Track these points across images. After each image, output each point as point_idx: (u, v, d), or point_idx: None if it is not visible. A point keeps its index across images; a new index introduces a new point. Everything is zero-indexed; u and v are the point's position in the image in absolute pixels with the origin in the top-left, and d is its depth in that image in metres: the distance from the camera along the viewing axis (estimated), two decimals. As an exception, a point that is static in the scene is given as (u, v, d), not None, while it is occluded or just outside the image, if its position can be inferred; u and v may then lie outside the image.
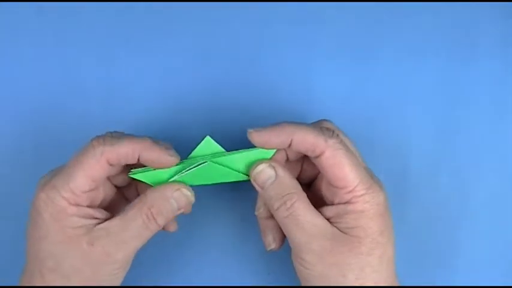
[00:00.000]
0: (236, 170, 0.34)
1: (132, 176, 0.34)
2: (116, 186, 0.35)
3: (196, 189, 0.41)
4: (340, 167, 0.32)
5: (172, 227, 0.36)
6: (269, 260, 0.41)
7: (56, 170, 0.33)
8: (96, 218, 0.32)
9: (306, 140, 0.32)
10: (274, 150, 0.33)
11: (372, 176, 0.33)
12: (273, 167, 0.33)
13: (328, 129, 0.33)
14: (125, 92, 0.40)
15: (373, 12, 0.40)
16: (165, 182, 0.34)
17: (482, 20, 0.41)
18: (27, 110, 0.40)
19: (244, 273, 0.41)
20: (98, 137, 0.32)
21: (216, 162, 0.33)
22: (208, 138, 0.33)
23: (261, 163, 0.33)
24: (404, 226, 0.40)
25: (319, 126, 0.33)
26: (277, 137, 0.32)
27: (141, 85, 0.40)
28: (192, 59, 0.40)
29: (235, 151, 0.34)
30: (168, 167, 0.33)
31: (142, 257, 0.39)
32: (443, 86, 0.41)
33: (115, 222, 0.32)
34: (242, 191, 0.40)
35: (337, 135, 0.32)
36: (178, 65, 0.40)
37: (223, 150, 0.34)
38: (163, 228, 0.34)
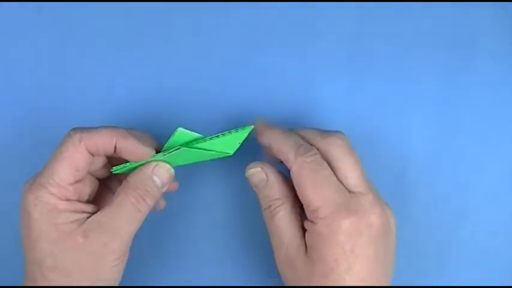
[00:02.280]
0: (214, 151, 0.34)
1: (115, 172, 0.34)
2: (98, 179, 0.35)
3: (197, 190, 0.41)
4: (303, 187, 0.32)
5: (162, 204, 0.37)
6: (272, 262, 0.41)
7: (39, 172, 0.33)
8: (87, 212, 0.33)
9: (280, 151, 0.33)
10: (250, 129, 0.34)
11: (348, 200, 0.32)
12: (265, 172, 0.34)
13: (304, 146, 0.33)
14: (125, 92, 0.40)
15: (372, 13, 0.40)
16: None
17: (482, 20, 0.41)
18: (26, 110, 0.40)
19: (247, 275, 0.41)
20: (75, 128, 0.33)
21: (191, 147, 0.33)
22: (180, 129, 0.33)
23: (255, 166, 0.34)
24: (404, 225, 0.40)
25: (303, 140, 0.34)
26: (261, 140, 0.35)
27: (141, 85, 0.40)
28: (192, 60, 0.40)
29: (209, 136, 0.34)
30: (144, 159, 0.33)
31: (140, 257, 0.39)
32: (443, 85, 0.41)
33: (105, 212, 0.32)
34: (244, 191, 0.40)
35: (313, 154, 0.32)
36: (178, 65, 0.40)
37: (198, 136, 0.34)
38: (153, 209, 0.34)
